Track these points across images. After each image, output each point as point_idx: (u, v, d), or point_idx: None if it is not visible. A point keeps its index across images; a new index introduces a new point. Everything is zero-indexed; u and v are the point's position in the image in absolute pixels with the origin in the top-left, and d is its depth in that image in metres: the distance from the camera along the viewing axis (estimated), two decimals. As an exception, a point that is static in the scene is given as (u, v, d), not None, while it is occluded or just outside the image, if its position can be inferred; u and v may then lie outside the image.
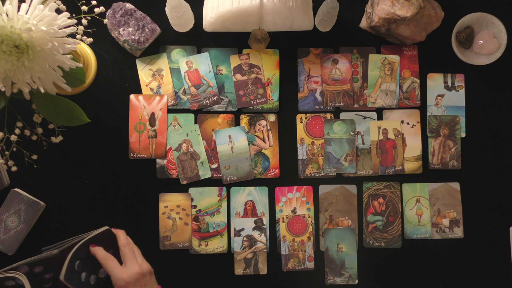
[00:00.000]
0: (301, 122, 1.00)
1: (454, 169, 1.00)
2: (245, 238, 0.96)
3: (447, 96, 1.01)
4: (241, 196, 0.98)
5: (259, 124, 0.99)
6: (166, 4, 0.92)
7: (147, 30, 0.96)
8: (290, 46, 1.01)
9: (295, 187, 0.98)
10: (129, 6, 0.95)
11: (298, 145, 0.99)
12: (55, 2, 0.72)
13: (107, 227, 0.86)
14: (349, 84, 1.01)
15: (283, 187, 0.98)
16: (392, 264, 0.98)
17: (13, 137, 0.80)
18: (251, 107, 0.99)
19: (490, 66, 1.00)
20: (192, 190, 0.97)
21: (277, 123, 0.99)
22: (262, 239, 0.97)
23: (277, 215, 0.98)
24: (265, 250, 0.97)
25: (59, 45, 0.70)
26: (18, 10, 0.67)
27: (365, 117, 1.00)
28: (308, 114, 1.00)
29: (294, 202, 0.98)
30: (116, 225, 0.88)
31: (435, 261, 0.98)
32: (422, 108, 1.01)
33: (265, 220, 0.97)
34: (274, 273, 0.97)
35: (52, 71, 0.72)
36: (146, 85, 0.98)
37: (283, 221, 0.98)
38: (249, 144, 0.98)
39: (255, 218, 0.97)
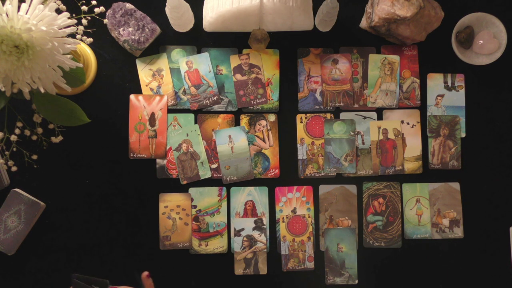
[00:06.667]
0: (301, 122, 0.99)
1: (454, 169, 1.00)
2: (245, 238, 0.96)
3: (447, 96, 1.01)
4: (241, 196, 0.98)
5: (259, 124, 0.99)
6: (166, 4, 0.92)
7: (147, 30, 0.96)
8: (290, 46, 1.01)
9: (295, 187, 0.98)
10: (129, 6, 0.95)
11: (298, 145, 0.99)
12: (55, 2, 0.72)
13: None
14: (349, 84, 1.01)
15: (283, 187, 0.98)
16: (392, 264, 0.98)
17: (13, 137, 0.81)
18: (251, 107, 0.99)
19: (490, 66, 1.00)
20: (192, 190, 0.97)
21: (277, 123, 0.99)
22: (262, 239, 0.97)
23: (277, 215, 0.98)
24: (265, 250, 0.97)
25: (59, 45, 0.70)
26: (18, 10, 0.67)
27: (365, 117, 1.00)
28: (308, 114, 1.00)
29: (294, 202, 0.98)
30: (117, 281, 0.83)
31: (435, 261, 0.98)
32: (422, 108, 1.01)
33: (265, 220, 0.97)
34: (274, 273, 0.97)
35: (52, 71, 0.72)
36: (146, 85, 0.98)
37: (283, 221, 0.97)
38: (249, 144, 0.98)
39: (255, 218, 0.97)
